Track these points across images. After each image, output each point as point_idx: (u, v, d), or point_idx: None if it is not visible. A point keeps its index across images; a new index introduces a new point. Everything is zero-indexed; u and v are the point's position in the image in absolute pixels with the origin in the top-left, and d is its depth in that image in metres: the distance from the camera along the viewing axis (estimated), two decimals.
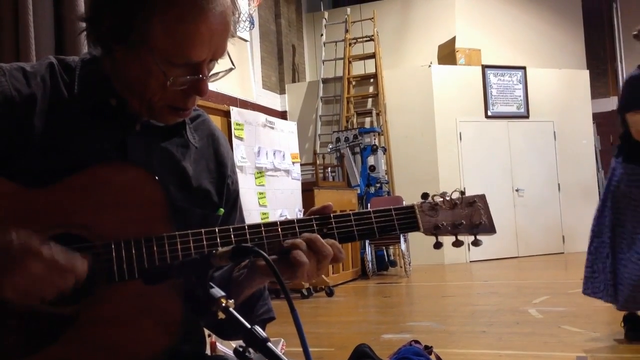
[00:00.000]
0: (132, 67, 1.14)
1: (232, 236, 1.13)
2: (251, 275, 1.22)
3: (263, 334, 0.90)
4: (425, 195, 1.26)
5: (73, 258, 1.02)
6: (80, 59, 1.25)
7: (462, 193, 1.27)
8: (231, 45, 1.19)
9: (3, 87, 1.12)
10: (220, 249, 0.97)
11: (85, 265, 1.03)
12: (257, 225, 1.16)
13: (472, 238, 1.26)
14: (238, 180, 1.42)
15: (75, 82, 1.19)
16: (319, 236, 1.15)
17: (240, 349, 0.90)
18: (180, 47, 1.09)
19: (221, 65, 1.21)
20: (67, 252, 1.02)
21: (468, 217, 1.25)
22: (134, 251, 1.08)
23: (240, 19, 1.19)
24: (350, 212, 1.22)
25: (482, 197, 1.28)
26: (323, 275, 6.90)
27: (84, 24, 1.17)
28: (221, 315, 0.92)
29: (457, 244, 1.25)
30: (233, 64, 1.21)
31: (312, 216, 1.20)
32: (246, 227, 1.15)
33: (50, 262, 0.99)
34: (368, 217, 1.22)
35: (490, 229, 1.26)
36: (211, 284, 0.93)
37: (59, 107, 1.16)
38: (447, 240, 1.27)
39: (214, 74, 1.18)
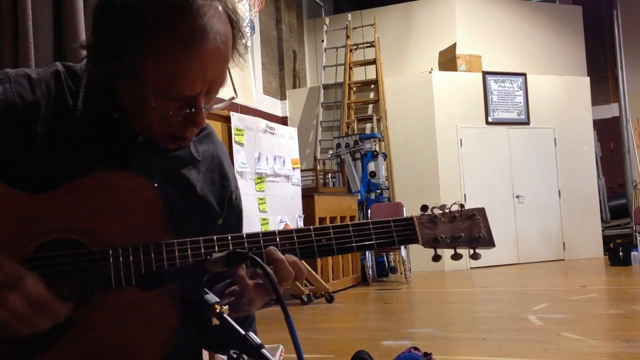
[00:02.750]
0: (130, 96, 1.14)
1: (230, 245, 1.13)
2: (234, 309, 1.18)
3: (257, 340, 0.90)
4: (424, 208, 1.26)
5: (55, 302, 1.02)
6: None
7: (462, 206, 1.26)
8: (236, 70, 1.18)
9: (7, 94, 1.12)
10: (215, 254, 0.97)
11: (64, 311, 1.03)
12: (256, 235, 1.16)
13: (471, 251, 1.25)
14: (241, 197, 1.42)
15: (81, 91, 1.19)
16: (284, 259, 1.13)
17: (235, 356, 0.89)
18: (172, 83, 1.08)
19: (223, 91, 1.19)
20: (50, 293, 1.01)
21: (467, 230, 1.25)
22: (131, 258, 1.09)
23: (247, 43, 1.18)
24: (349, 223, 1.22)
25: (482, 211, 1.28)
26: (323, 282, 6.89)
27: (83, 51, 1.17)
28: (215, 322, 0.91)
29: (456, 257, 1.25)
30: (236, 93, 1.19)
31: (311, 226, 1.20)
32: (244, 235, 1.16)
33: (33, 301, 0.99)
34: (367, 229, 1.21)
35: (489, 243, 1.26)
36: (206, 289, 0.93)
37: (62, 115, 1.16)
38: (447, 252, 1.26)
39: (214, 102, 1.17)
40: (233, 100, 1.22)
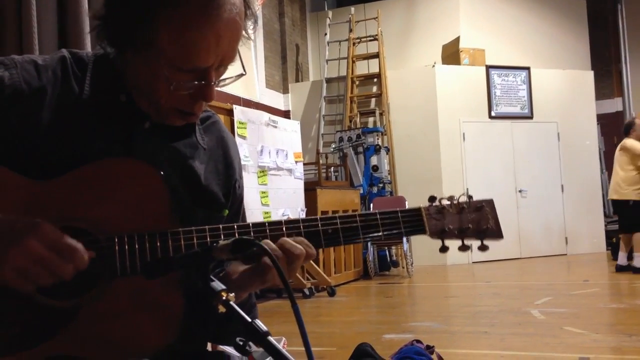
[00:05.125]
0: (141, 69, 1.13)
1: (236, 234, 1.13)
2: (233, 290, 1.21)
3: (264, 327, 0.89)
4: (432, 198, 1.24)
5: (76, 247, 1.01)
6: (93, 53, 1.24)
7: (470, 197, 1.25)
8: (242, 49, 1.17)
9: (13, 80, 1.12)
10: (221, 241, 0.96)
11: (86, 258, 1.03)
12: (262, 224, 1.15)
13: (478, 243, 1.24)
14: (243, 186, 1.41)
15: (87, 77, 1.19)
16: (287, 238, 1.12)
17: (241, 343, 0.89)
18: (186, 53, 1.08)
19: (231, 69, 1.19)
20: (72, 240, 1.01)
21: (475, 222, 1.24)
22: (137, 246, 1.08)
23: (256, 24, 1.17)
24: (356, 213, 1.21)
25: (490, 202, 1.26)
26: (325, 275, 6.89)
27: (94, 21, 1.16)
28: (221, 309, 0.91)
29: (463, 248, 1.24)
30: (244, 70, 1.18)
31: (317, 216, 1.19)
32: (251, 224, 1.15)
33: (52, 244, 0.99)
34: (374, 219, 1.21)
35: (497, 235, 1.25)
36: (212, 277, 0.92)
37: (68, 101, 1.16)
38: (453, 244, 1.25)
39: (222, 80, 1.16)
40: (235, 93, 1.21)
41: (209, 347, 1.46)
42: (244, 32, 1.14)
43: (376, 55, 10.46)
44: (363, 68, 10.78)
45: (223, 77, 1.17)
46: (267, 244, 1.08)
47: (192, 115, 1.19)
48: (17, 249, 0.97)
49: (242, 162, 6.84)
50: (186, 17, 1.06)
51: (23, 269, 0.98)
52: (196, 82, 1.11)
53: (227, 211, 1.31)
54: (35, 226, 0.99)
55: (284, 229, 1.15)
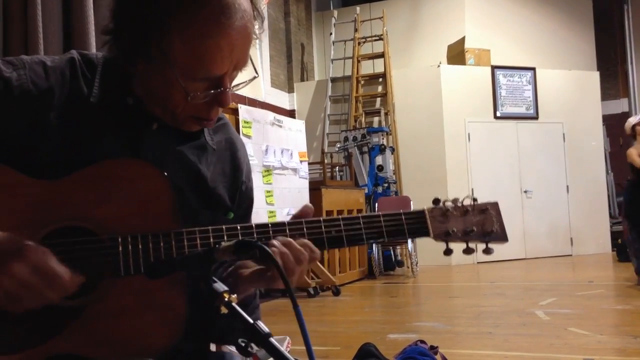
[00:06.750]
0: (154, 79, 1.14)
1: (239, 235, 1.13)
2: (234, 285, 1.19)
3: (266, 329, 0.90)
4: (436, 201, 1.24)
5: (64, 271, 1.01)
6: (102, 55, 1.24)
7: (475, 200, 1.25)
8: (252, 51, 1.18)
9: (21, 80, 1.13)
10: (224, 243, 0.96)
11: (75, 282, 1.03)
12: (265, 225, 1.15)
13: (483, 245, 1.24)
14: (253, 188, 1.41)
15: (96, 79, 1.19)
16: (291, 240, 1.12)
17: (243, 344, 0.89)
18: (201, 62, 1.08)
19: (243, 73, 1.19)
20: (60, 264, 1.01)
21: (480, 224, 1.23)
22: (140, 246, 1.09)
23: (263, 24, 1.18)
24: (360, 215, 1.21)
25: (495, 205, 1.26)
26: (329, 274, 6.90)
27: (104, 36, 1.17)
28: (224, 310, 0.91)
29: (468, 251, 1.23)
30: (257, 72, 1.19)
31: (321, 217, 1.19)
32: (254, 225, 1.15)
33: (38, 268, 0.99)
34: (377, 221, 1.20)
35: (502, 238, 1.24)
36: (214, 278, 0.93)
37: (76, 102, 1.16)
38: (457, 246, 1.24)
39: (236, 85, 1.17)
40: (241, 93, 1.22)
41: (213, 347, 1.47)
42: (253, 37, 1.15)
43: (381, 55, 10.46)
44: (368, 68, 10.78)
45: (237, 82, 1.17)
46: (273, 243, 1.09)
47: (209, 121, 1.20)
48: (2, 272, 0.97)
49: None
50: (200, 27, 1.07)
51: (9, 292, 0.98)
52: (212, 91, 1.12)
53: (232, 214, 1.31)
54: (21, 249, 0.99)
55: (287, 230, 1.16)
